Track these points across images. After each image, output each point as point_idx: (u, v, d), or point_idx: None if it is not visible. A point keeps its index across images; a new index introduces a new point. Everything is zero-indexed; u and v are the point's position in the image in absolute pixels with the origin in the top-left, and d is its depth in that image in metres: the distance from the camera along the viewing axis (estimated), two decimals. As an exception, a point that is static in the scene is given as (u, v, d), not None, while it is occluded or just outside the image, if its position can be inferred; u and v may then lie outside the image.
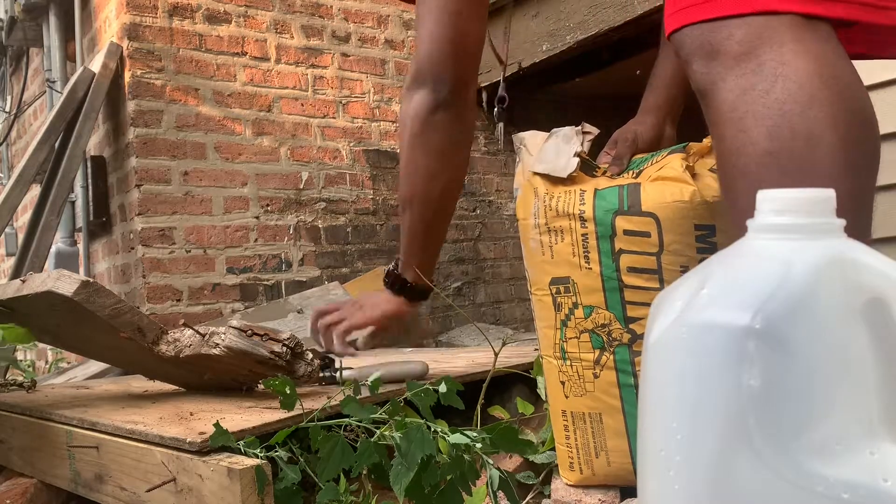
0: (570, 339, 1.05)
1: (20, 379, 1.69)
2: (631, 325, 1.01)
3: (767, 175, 0.81)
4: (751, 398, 0.59)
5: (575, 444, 1.06)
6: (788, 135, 0.80)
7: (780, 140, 0.80)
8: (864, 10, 0.85)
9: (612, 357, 1.02)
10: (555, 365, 1.06)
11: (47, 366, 3.30)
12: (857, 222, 0.80)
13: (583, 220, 1.02)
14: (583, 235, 1.02)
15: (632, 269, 1.00)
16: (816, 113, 0.80)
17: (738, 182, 0.85)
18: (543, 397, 1.26)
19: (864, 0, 0.85)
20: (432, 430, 0.95)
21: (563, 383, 1.06)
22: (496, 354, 1.22)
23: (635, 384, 1.01)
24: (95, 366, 2.44)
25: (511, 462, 1.21)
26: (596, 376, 1.03)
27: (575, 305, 1.04)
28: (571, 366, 1.05)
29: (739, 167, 0.84)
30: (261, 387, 1.33)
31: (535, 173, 1.08)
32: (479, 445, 0.93)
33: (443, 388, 1.03)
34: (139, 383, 1.62)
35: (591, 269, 1.02)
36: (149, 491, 0.99)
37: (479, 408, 1.23)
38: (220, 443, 0.92)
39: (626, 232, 1.00)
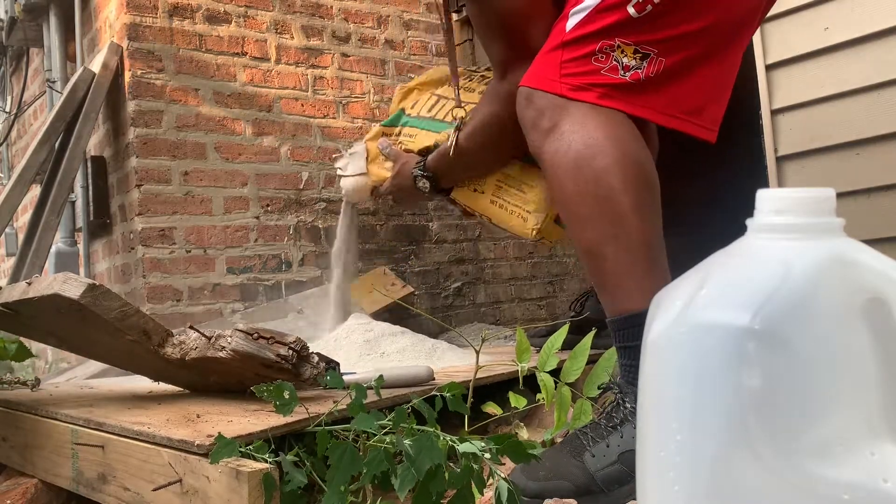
0: None
1: (24, 377, 1.70)
2: None
3: (577, 205, 1.17)
4: (751, 399, 0.59)
5: None
6: (582, 178, 1.16)
7: (578, 183, 1.16)
8: (645, 112, 1.21)
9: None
10: None
11: (47, 365, 3.30)
12: (643, 226, 1.13)
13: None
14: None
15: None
16: (601, 162, 1.14)
17: (565, 213, 1.23)
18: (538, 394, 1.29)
19: (646, 105, 1.20)
20: (441, 437, 0.95)
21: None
22: (478, 353, 1.35)
23: None
24: (95, 365, 2.44)
25: (504, 469, 1.21)
26: None
27: None
28: None
29: (562, 203, 1.22)
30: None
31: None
32: (487, 456, 0.93)
33: (448, 394, 1.05)
34: (143, 384, 1.62)
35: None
36: (155, 490, 1.00)
37: (468, 407, 1.23)
38: (225, 455, 0.92)
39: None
